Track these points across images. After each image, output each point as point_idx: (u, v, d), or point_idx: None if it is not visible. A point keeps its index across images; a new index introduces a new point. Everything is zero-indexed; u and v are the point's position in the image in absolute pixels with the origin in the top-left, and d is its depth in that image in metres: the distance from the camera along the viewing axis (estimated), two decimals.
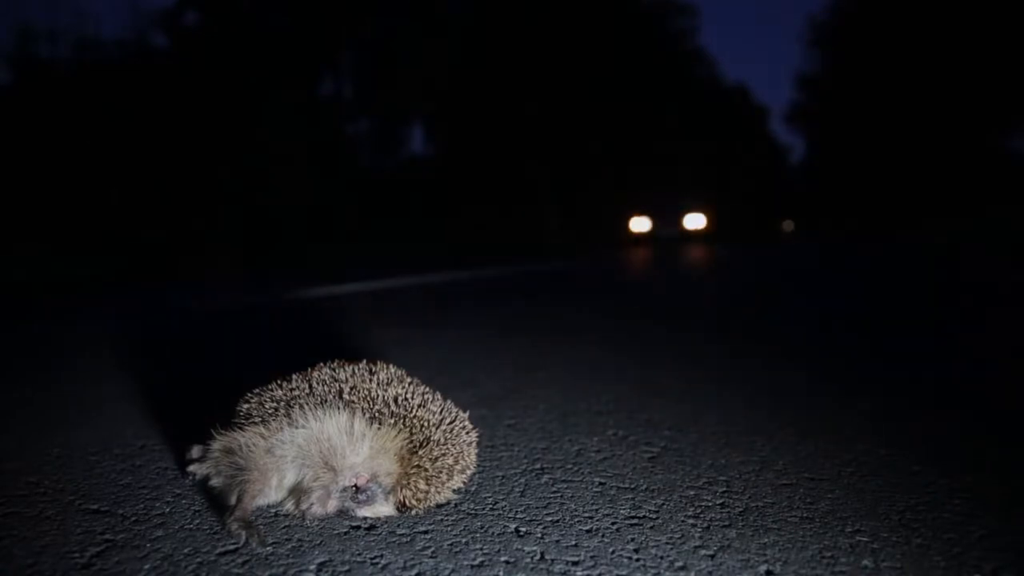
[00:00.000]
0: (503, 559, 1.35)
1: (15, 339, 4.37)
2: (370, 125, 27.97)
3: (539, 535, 1.46)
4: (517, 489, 1.72)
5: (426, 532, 1.47)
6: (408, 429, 1.51)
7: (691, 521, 1.54)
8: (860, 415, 2.43)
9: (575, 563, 1.34)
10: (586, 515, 1.56)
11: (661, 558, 1.36)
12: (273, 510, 1.54)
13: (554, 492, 1.70)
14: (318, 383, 1.57)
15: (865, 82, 33.55)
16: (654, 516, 1.56)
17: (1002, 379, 3.12)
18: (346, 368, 1.62)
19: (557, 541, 1.43)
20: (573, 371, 3.18)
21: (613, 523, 1.52)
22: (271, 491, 1.50)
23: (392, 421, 1.51)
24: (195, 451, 1.66)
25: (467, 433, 1.59)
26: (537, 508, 1.60)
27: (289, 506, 1.51)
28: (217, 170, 16.31)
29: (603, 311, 5.96)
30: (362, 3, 25.37)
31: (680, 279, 9.83)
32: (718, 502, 1.64)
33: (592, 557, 1.36)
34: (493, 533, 1.47)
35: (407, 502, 1.49)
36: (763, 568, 1.32)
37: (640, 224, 24.88)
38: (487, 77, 26.43)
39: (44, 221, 12.69)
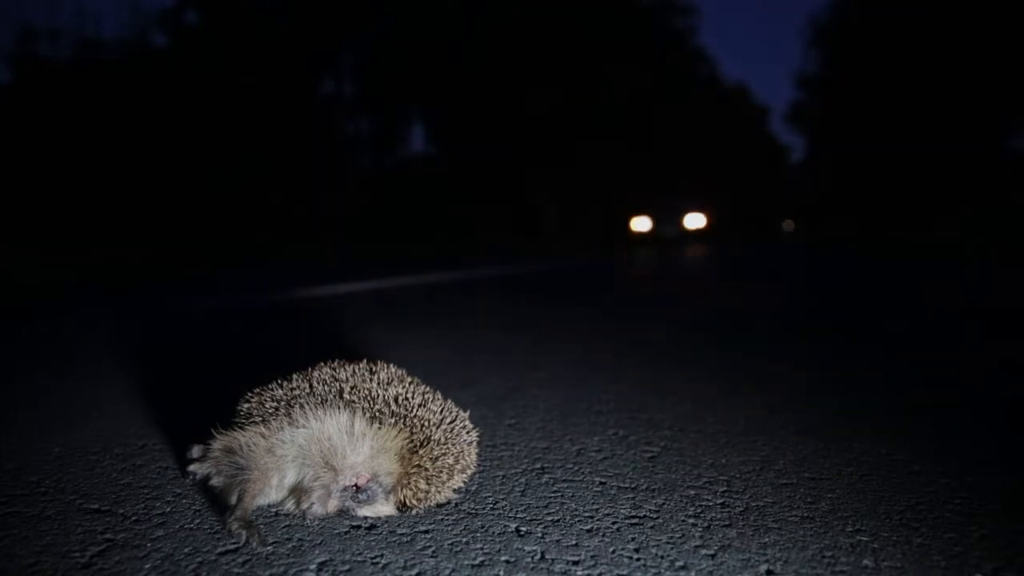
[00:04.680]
0: (504, 558, 1.35)
1: (15, 339, 4.36)
2: (370, 124, 27.99)
3: (539, 534, 1.46)
4: (518, 489, 1.72)
5: (427, 532, 1.47)
6: (408, 429, 1.51)
7: (692, 521, 1.54)
8: (860, 414, 2.43)
9: (575, 562, 1.34)
10: (587, 515, 1.56)
11: (662, 557, 1.36)
12: (273, 510, 1.54)
13: (555, 492, 1.70)
14: (318, 383, 1.57)
15: (865, 82, 33.55)
16: (655, 516, 1.56)
17: (1003, 379, 3.12)
18: (346, 368, 1.62)
19: (558, 540, 1.43)
20: (573, 371, 3.18)
21: (614, 523, 1.52)
22: (271, 491, 1.50)
23: (392, 421, 1.51)
24: (195, 451, 1.66)
25: (467, 433, 1.59)
26: (538, 508, 1.60)
27: (289, 506, 1.51)
28: (217, 169, 16.31)
29: (603, 311, 5.96)
30: (362, 3, 25.37)
31: (679, 278, 9.83)
32: (718, 502, 1.64)
33: (592, 556, 1.36)
34: (494, 533, 1.47)
35: (407, 501, 1.49)
36: (764, 567, 1.32)
37: (641, 224, 24.90)
38: (486, 76, 26.43)
39: (44, 220, 12.69)
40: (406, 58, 26.37)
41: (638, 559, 1.35)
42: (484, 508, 1.60)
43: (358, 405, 1.52)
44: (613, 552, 1.38)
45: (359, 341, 4.04)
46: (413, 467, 1.49)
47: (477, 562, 1.34)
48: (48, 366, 3.37)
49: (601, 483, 1.76)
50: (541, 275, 9.93)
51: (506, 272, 10.25)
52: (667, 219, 24.77)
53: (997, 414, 2.51)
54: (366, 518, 1.51)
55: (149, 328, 4.85)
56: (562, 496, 1.67)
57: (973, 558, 1.38)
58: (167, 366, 3.45)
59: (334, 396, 1.53)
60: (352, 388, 1.55)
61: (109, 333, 4.43)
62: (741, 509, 1.60)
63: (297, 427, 1.49)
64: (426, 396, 1.59)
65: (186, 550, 1.37)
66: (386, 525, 1.49)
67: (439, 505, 1.57)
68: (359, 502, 1.48)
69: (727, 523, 1.52)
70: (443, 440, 1.52)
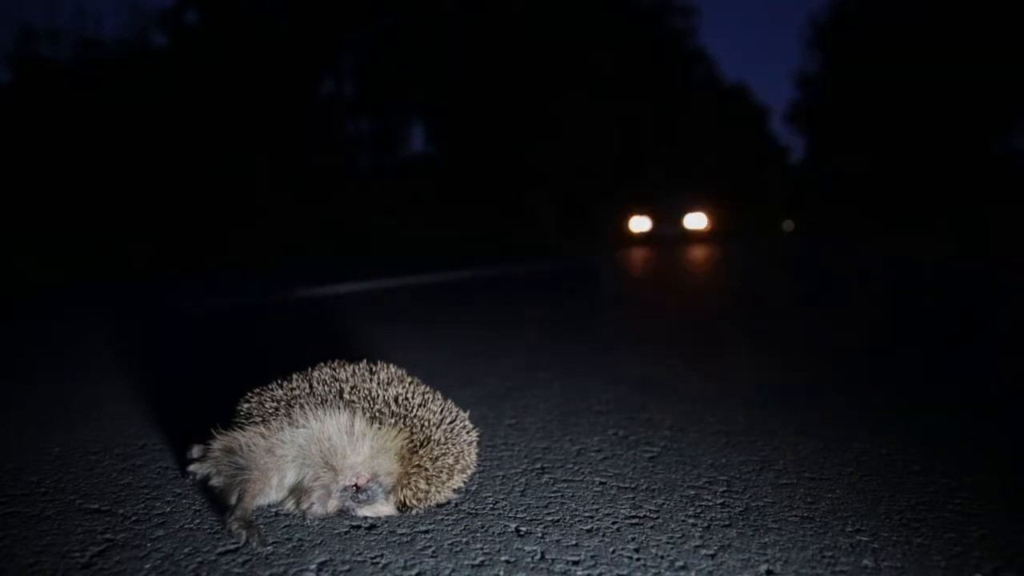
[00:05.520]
0: (503, 559, 1.35)
1: (15, 338, 4.36)
2: (370, 124, 28.00)
3: (539, 535, 1.46)
4: (518, 489, 1.72)
5: (426, 532, 1.47)
6: (408, 429, 1.51)
7: (692, 520, 1.54)
8: (860, 415, 2.43)
9: (575, 563, 1.34)
10: (587, 515, 1.56)
11: (662, 557, 1.36)
12: (273, 510, 1.54)
13: (555, 492, 1.70)
14: (318, 383, 1.57)
15: (865, 82, 33.58)
16: (654, 516, 1.56)
17: (1002, 379, 3.12)
18: (346, 368, 1.62)
19: (558, 541, 1.43)
20: (573, 371, 3.18)
21: (614, 523, 1.52)
22: (271, 491, 1.50)
23: (392, 421, 1.51)
24: (195, 451, 1.66)
25: (467, 433, 1.59)
26: (538, 508, 1.60)
27: (289, 506, 1.51)
28: (217, 169, 16.31)
29: (603, 311, 5.96)
30: (362, 3, 25.37)
31: (678, 277, 9.83)
32: (718, 502, 1.64)
33: (592, 556, 1.36)
34: (494, 533, 1.47)
35: (407, 501, 1.49)
36: (764, 567, 1.32)
37: (640, 224, 24.90)
38: (486, 75, 26.43)
39: (44, 219, 12.69)
40: (406, 58, 26.36)
41: (638, 559, 1.35)
42: (484, 508, 1.60)
43: (358, 405, 1.51)
44: (613, 552, 1.38)
45: (359, 341, 4.04)
46: (413, 467, 1.49)
47: (477, 562, 1.34)
48: (48, 366, 3.37)
49: (601, 483, 1.76)
50: (542, 274, 9.93)
51: (507, 271, 10.25)
52: (667, 219, 24.78)
53: (998, 414, 2.51)
54: (366, 518, 1.51)
55: (149, 328, 4.86)
56: (562, 496, 1.67)
57: (973, 558, 1.38)
58: (167, 366, 3.45)
59: (334, 396, 1.53)
60: (352, 388, 1.55)
61: (109, 333, 4.43)
62: (741, 509, 1.60)
63: (297, 427, 1.49)
64: (426, 396, 1.59)
65: (186, 550, 1.37)
66: (386, 525, 1.49)
67: (439, 505, 1.57)
68: (359, 502, 1.48)
69: (727, 523, 1.52)
70: (443, 440, 1.52)
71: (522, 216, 25.88)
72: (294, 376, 1.61)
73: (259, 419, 1.52)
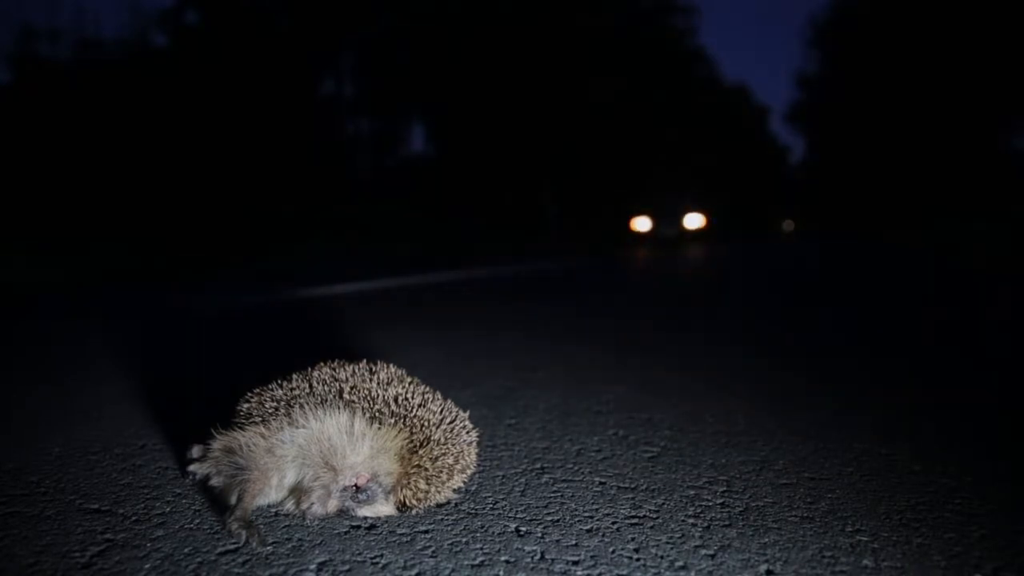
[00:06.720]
0: (503, 559, 1.35)
1: (15, 338, 4.36)
2: (370, 124, 28.02)
3: (539, 535, 1.46)
4: (517, 489, 1.72)
5: (426, 532, 1.47)
6: (408, 429, 1.51)
7: (691, 521, 1.54)
8: (860, 415, 2.43)
9: (575, 563, 1.34)
10: (586, 515, 1.56)
11: (661, 557, 1.36)
12: (273, 510, 1.54)
13: (554, 492, 1.70)
14: (318, 383, 1.57)
15: (865, 82, 33.59)
16: (654, 516, 1.56)
17: (1002, 380, 3.12)
18: (346, 368, 1.62)
19: (557, 541, 1.43)
20: (573, 371, 3.18)
21: (613, 523, 1.52)
22: (271, 491, 1.50)
23: (392, 421, 1.51)
24: (195, 451, 1.66)
25: (467, 433, 1.59)
26: (537, 508, 1.60)
27: (289, 506, 1.51)
28: (217, 168, 16.32)
29: (603, 311, 5.96)
30: (362, 3, 25.37)
31: (676, 278, 9.83)
32: (718, 502, 1.64)
33: (592, 556, 1.36)
34: (493, 533, 1.47)
35: (407, 501, 1.49)
36: (763, 567, 1.32)
37: (641, 224, 24.92)
38: (485, 76, 26.43)
39: (44, 219, 12.70)
40: (406, 58, 26.38)
41: (638, 559, 1.35)
42: (484, 508, 1.60)
43: (358, 405, 1.52)
44: (613, 552, 1.38)
45: (359, 341, 4.04)
46: (413, 467, 1.49)
47: (477, 562, 1.34)
48: (48, 366, 3.38)
49: (601, 483, 1.76)
50: (542, 275, 9.93)
51: (507, 272, 10.25)
52: (667, 219, 24.79)
53: (997, 415, 2.51)
54: (366, 518, 1.51)
55: (149, 328, 4.85)
56: (562, 496, 1.67)
57: (973, 558, 1.38)
58: (167, 366, 3.45)
59: (334, 396, 1.53)
60: (352, 388, 1.55)
61: (109, 333, 4.43)
62: (741, 509, 1.60)
63: (297, 427, 1.49)
64: (426, 396, 1.59)
65: (186, 550, 1.37)
66: (386, 525, 1.49)
67: (439, 505, 1.57)
68: (359, 502, 1.48)
69: (727, 523, 1.52)
70: (443, 440, 1.52)
71: (523, 216, 25.88)
72: (294, 376, 1.61)
73: (259, 419, 1.52)
